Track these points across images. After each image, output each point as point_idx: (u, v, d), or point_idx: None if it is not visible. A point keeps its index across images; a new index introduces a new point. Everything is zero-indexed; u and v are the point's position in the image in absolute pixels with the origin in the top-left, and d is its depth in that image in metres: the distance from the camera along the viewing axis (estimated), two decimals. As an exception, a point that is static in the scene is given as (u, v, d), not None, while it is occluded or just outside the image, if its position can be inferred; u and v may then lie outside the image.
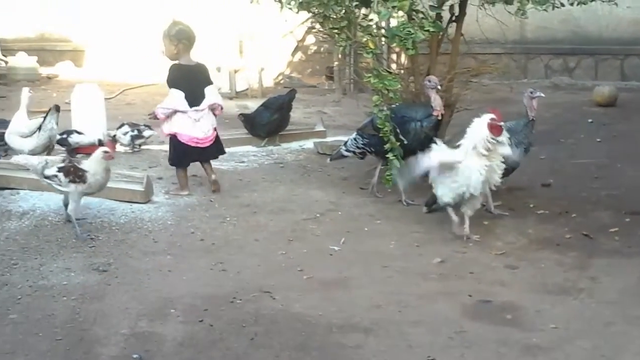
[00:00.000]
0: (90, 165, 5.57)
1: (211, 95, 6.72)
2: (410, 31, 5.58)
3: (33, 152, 6.97)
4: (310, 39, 14.40)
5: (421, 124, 6.26)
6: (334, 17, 6.39)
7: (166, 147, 7.53)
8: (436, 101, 6.24)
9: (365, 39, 5.99)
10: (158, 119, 6.78)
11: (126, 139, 8.13)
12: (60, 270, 4.95)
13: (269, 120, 8.66)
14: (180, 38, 6.68)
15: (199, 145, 6.65)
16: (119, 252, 5.28)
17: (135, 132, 8.13)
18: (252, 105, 10.98)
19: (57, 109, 7.21)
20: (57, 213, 5.96)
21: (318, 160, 8.05)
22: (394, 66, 9.40)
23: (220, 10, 13.27)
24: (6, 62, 13.86)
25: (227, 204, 6.39)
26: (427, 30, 5.76)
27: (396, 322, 4.23)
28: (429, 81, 6.28)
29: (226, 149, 8.18)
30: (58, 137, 7.54)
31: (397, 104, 6.27)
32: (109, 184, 6.28)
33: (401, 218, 6.09)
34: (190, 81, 6.67)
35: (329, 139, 8.84)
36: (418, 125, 6.26)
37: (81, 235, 5.49)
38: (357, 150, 6.67)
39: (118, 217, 5.94)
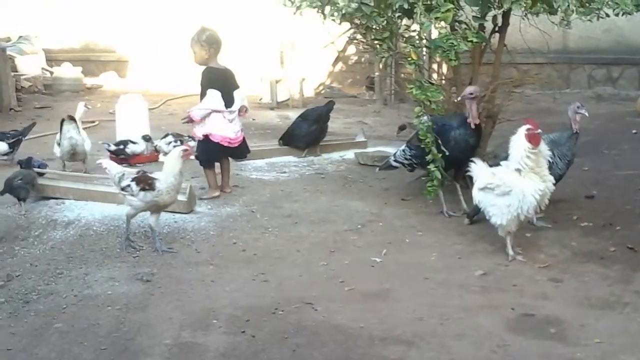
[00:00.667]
0: (167, 165, 5.59)
1: (240, 98, 6.96)
2: (453, 42, 5.58)
3: (62, 159, 7.71)
4: (351, 49, 14.42)
5: (459, 131, 6.24)
6: (376, 28, 6.42)
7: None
8: (472, 110, 6.21)
9: (407, 50, 5.98)
10: (193, 121, 6.89)
11: (169, 149, 8.22)
12: (104, 279, 5.02)
13: (308, 131, 8.68)
14: (211, 43, 6.88)
15: (230, 145, 6.92)
16: (162, 262, 5.33)
17: (178, 143, 8.23)
18: (293, 115, 11.01)
19: (70, 118, 7.69)
20: (101, 223, 6.06)
21: (359, 170, 8.05)
22: (434, 76, 9.38)
23: (261, 20, 13.36)
24: (51, 73, 14.08)
25: (269, 215, 6.42)
26: (470, 41, 5.75)
27: (438, 335, 4.21)
28: (470, 93, 6.25)
29: (268, 160, 8.31)
30: (114, 147, 8.07)
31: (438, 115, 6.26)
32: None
33: (443, 230, 6.06)
34: (223, 84, 6.90)
35: (369, 150, 8.84)
36: (457, 133, 6.24)
37: (125, 244, 5.55)
38: (405, 162, 6.65)
39: (161, 227, 5.98)
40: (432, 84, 6.07)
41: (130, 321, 4.40)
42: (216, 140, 6.84)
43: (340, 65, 14.68)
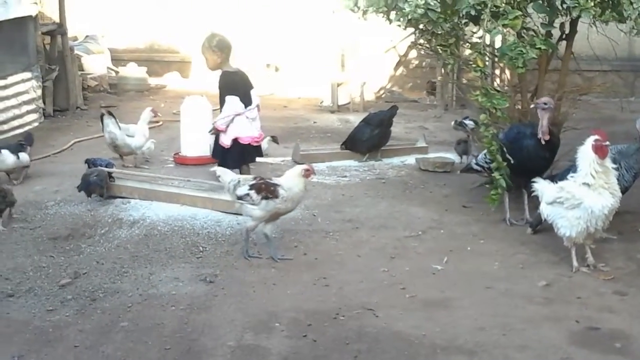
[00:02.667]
0: (287, 180, 5.46)
1: (256, 97, 7.21)
2: (521, 50, 5.53)
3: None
4: (413, 54, 14.38)
5: (531, 142, 6.14)
6: (441, 33, 6.40)
7: (271, 160, 8.13)
8: (543, 123, 6.10)
9: (473, 57, 5.95)
10: (220, 131, 7.06)
11: None
12: (169, 279, 5.09)
13: (370, 136, 8.67)
14: (222, 48, 7.12)
15: (257, 143, 7.22)
16: (225, 264, 5.39)
17: None
18: (354, 119, 11.05)
19: (109, 113, 8.16)
20: (165, 223, 6.16)
21: (420, 176, 8.02)
22: (498, 82, 9.31)
23: (322, 23, 13.39)
24: (117, 72, 14.32)
25: (330, 219, 6.43)
26: (538, 49, 5.69)
27: (501, 346, 4.18)
28: (545, 103, 6.09)
29: (328, 163, 8.38)
30: None
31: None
32: (216, 196, 6.47)
33: (505, 238, 6.00)
34: (241, 86, 7.15)
35: (430, 155, 8.79)
36: (529, 144, 6.14)
37: (245, 254, 5.49)
38: (486, 166, 6.56)
39: (224, 228, 6.06)
40: (498, 91, 6.01)
41: (194, 322, 4.46)
42: (246, 142, 7.06)
43: (401, 69, 14.64)
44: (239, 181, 5.49)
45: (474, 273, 5.29)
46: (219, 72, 7.24)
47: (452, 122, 9.57)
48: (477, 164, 6.72)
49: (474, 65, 6.02)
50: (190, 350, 4.13)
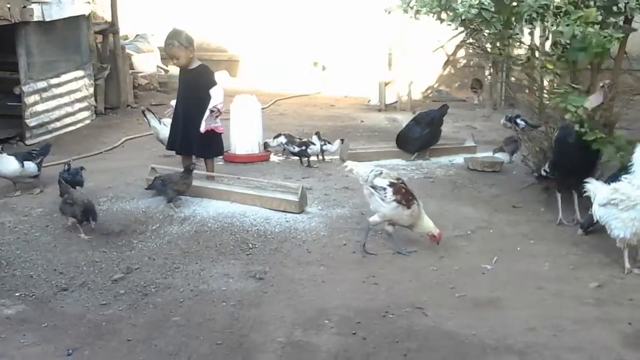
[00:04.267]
0: (424, 215, 5.58)
1: None
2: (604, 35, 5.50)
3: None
4: (460, 53, 14.29)
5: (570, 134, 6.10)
6: (494, 32, 6.36)
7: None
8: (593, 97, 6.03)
9: (543, 59, 5.89)
10: (220, 113, 7.13)
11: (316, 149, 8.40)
12: (219, 275, 5.15)
13: (420, 134, 8.64)
14: (191, 42, 7.13)
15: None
16: (274, 261, 5.43)
17: (323, 143, 8.44)
18: (401, 118, 11.03)
19: (148, 110, 8.61)
20: (215, 220, 6.21)
21: (468, 176, 7.97)
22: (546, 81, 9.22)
23: (370, 23, 13.39)
24: (166, 71, 14.46)
25: (379, 217, 6.43)
26: (617, 38, 5.67)
27: (552, 347, 4.15)
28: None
29: (376, 162, 8.33)
30: (296, 149, 8.29)
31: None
32: (265, 193, 6.52)
33: (555, 239, 5.95)
34: None
35: (479, 155, 8.73)
36: (568, 134, 6.10)
37: (366, 252, 5.57)
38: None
39: (273, 226, 6.10)
40: (575, 87, 5.94)
41: (244, 317, 4.51)
42: (220, 132, 7.19)
43: (449, 68, 14.56)
44: (381, 172, 5.58)
45: (524, 273, 5.26)
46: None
47: (503, 118, 9.53)
48: (544, 170, 6.63)
49: (542, 69, 5.96)
50: (241, 346, 4.17)
